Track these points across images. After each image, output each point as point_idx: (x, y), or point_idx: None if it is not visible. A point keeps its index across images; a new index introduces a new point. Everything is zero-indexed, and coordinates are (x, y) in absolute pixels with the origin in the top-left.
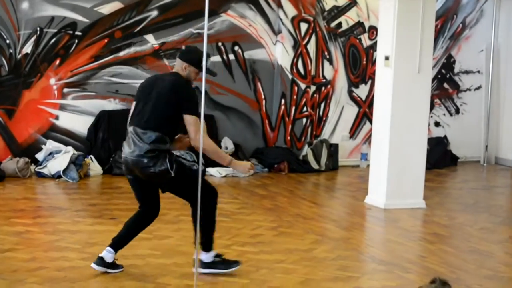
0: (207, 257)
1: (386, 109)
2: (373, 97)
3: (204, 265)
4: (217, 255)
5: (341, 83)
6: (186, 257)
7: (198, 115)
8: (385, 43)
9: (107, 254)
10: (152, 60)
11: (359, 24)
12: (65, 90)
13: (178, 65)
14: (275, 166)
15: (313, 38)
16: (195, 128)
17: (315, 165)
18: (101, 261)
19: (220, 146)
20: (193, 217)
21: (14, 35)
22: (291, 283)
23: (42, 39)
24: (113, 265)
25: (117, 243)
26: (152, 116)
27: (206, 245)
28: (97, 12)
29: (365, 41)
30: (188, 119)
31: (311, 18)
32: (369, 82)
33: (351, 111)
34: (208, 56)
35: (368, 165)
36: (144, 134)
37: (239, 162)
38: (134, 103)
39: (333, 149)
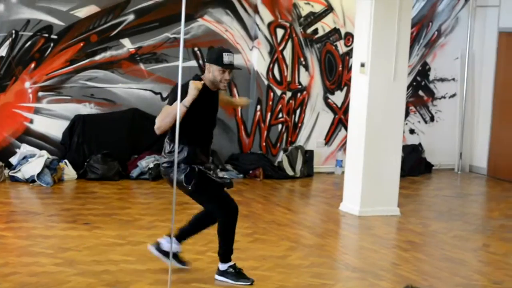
0: (223, 266)
1: (362, 116)
2: (348, 103)
3: (218, 272)
4: (232, 266)
5: (317, 89)
6: (160, 263)
7: (170, 103)
8: (360, 50)
9: (164, 242)
10: (128, 64)
11: (335, 30)
12: (40, 93)
13: (206, 69)
14: (250, 172)
15: (289, 44)
16: (160, 116)
17: (290, 172)
18: (157, 246)
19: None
20: (219, 231)
21: None
22: None
23: (18, 42)
24: (168, 255)
25: (181, 235)
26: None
27: (225, 257)
28: (73, 16)
29: (341, 47)
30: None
31: (288, 24)
32: (345, 88)
33: (327, 117)
34: (229, 51)
35: (343, 172)
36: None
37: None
38: None
39: (308, 156)
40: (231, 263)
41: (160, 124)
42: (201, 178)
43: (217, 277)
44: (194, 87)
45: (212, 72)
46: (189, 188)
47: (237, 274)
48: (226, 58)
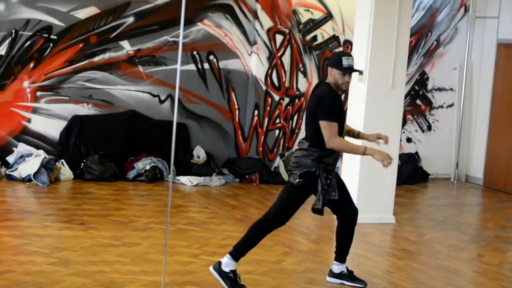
0: (338, 268)
1: (359, 123)
2: (346, 111)
3: (332, 274)
4: (347, 269)
5: None
6: (154, 265)
7: (331, 119)
8: (359, 58)
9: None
10: (126, 67)
11: (334, 38)
12: (39, 93)
13: (328, 73)
14: (247, 176)
15: (288, 50)
16: (328, 132)
17: (286, 177)
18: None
19: (192, 155)
20: (338, 231)
21: None
22: None
23: (17, 41)
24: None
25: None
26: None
27: (343, 257)
28: (73, 17)
29: None
30: (321, 124)
31: (287, 30)
32: (343, 96)
33: None
34: (349, 55)
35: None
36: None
37: (375, 149)
38: None
39: None
40: (345, 265)
41: (339, 148)
42: (310, 187)
43: (331, 279)
44: (387, 159)
45: (334, 75)
46: (294, 182)
47: (351, 276)
48: (346, 61)
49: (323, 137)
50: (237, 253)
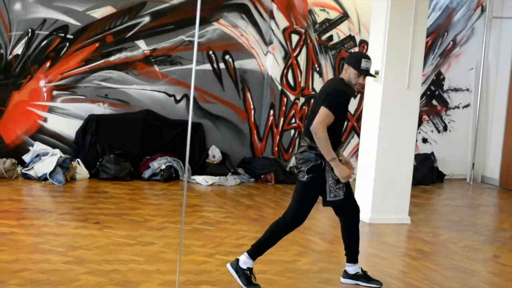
0: (353, 269)
1: (374, 123)
2: (361, 111)
3: (347, 275)
4: (361, 269)
5: None
6: (169, 264)
7: (332, 110)
8: (375, 58)
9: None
10: (142, 66)
11: (350, 37)
12: (55, 92)
13: (343, 69)
14: (262, 176)
15: (304, 50)
16: (321, 118)
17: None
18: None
19: (207, 155)
20: (343, 232)
21: (5, 36)
22: None
23: (34, 40)
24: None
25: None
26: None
27: (354, 257)
28: (89, 16)
29: None
30: (321, 109)
31: (303, 30)
32: (358, 96)
33: None
34: (369, 58)
35: (354, 179)
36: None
37: (341, 164)
38: None
39: None
40: (359, 266)
41: (318, 134)
42: (319, 180)
43: (346, 280)
44: (347, 176)
45: (349, 74)
46: (304, 179)
47: (366, 276)
48: (364, 64)
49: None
50: (255, 252)
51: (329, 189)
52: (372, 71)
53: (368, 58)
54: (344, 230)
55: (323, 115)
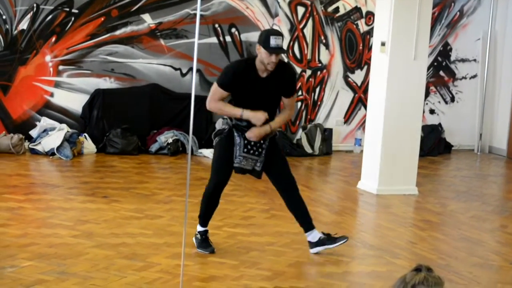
0: (313, 236)
1: (381, 95)
2: (368, 82)
3: (313, 244)
4: (322, 233)
5: (337, 68)
6: (177, 237)
7: (218, 83)
8: (381, 29)
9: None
10: (148, 40)
11: (357, 9)
12: (61, 67)
13: (256, 49)
14: None
15: (310, 22)
16: (210, 94)
17: (308, 149)
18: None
19: (214, 128)
20: (286, 204)
21: (10, 11)
22: (281, 265)
23: (39, 15)
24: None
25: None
26: None
27: (308, 225)
28: None
29: (362, 26)
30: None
31: (308, 2)
32: (365, 67)
33: (346, 96)
34: (278, 34)
35: (361, 151)
36: None
37: (252, 112)
38: None
39: (327, 134)
40: (319, 231)
41: (210, 108)
42: (226, 140)
43: (313, 250)
44: (261, 120)
45: (260, 53)
46: (214, 140)
47: (330, 238)
48: (273, 41)
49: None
50: (203, 220)
51: (235, 154)
52: (378, 42)
53: (277, 34)
54: (286, 203)
55: (211, 91)
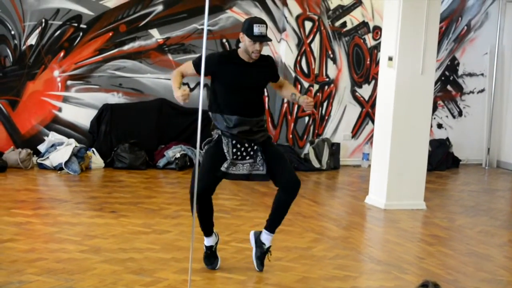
0: (266, 238)
1: (389, 109)
2: (376, 97)
3: (257, 238)
4: (268, 248)
5: (345, 82)
6: (184, 252)
7: (194, 63)
8: (389, 43)
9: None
10: (156, 55)
11: (364, 24)
12: (69, 82)
13: (240, 38)
14: None
15: (318, 36)
16: (173, 73)
17: (316, 164)
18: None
19: None
20: (275, 199)
21: (19, 26)
22: (289, 280)
23: (47, 31)
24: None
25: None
26: None
27: (271, 227)
28: (102, 5)
29: (369, 41)
30: None
31: (316, 17)
32: (373, 82)
33: (354, 110)
34: (261, 22)
35: (369, 165)
36: None
37: (176, 90)
38: None
39: (335, 148)
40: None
41: (172, 74)
42: (214, 149)
43: (252, 239)
44: (179, 96)
45: (244, 42)
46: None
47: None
48: (257, 29)
49: (210, 100)
50: (203, 230)
51: (228, 162)
52: (386, 57)
53: (260, 22)
54: (276, 198)
55: (184, 63)
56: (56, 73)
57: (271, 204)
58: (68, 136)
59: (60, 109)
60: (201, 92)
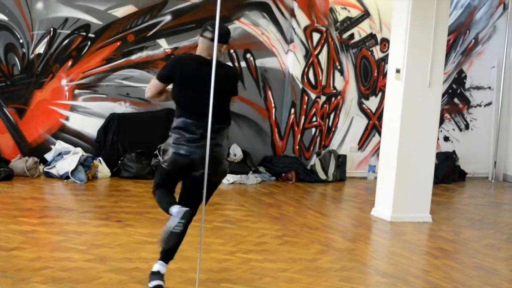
0: (158, 267)
1: (396, 122)
2: (383, 109)
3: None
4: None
5: (352, 94)
6: (190, 262)
7: (158, 77)
8: (396, 56)
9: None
10: (163, 65)
11: (372, 36)
12: (76, 91)
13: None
14: (283, 175)
15: (325, 48)
16: (148, 86)
17: (322, 176)
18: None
19: (228, 153)
20: None
21: (27, 35)
22: None
23: (55, 40)
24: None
25: None
26: None
27: (166, 257)
28: (110, 15)
29: (377, 53)
30: None
31: (324, 29)
32: (380, 94)
33: (361, 122)
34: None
35: (375, 177)
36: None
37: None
38: None
39: (341, 160)
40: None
41: (150, 95)
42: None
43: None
44: None
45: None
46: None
47: None
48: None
49: (176, 110)
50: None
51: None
52: (393, 69)
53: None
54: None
55: (150, 83)
56: (63, 82)
57: (277, 215)
58: (75, 145)
59: (67, 118)
60: (211, 104)
